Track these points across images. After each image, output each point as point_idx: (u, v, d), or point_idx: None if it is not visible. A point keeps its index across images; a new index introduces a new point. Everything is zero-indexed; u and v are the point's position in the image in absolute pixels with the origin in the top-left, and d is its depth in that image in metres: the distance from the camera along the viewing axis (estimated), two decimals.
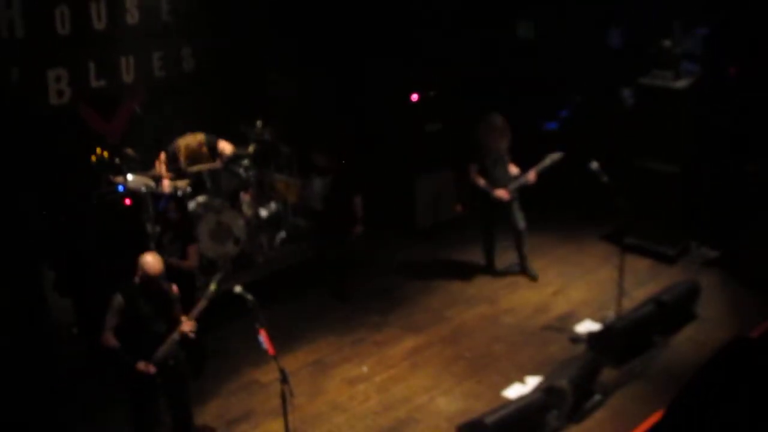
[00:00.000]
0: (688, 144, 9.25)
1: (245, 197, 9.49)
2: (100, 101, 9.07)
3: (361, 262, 9.45)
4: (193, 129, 9.11)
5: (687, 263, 9.35)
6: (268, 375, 7.38)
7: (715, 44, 10.09)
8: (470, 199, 10.80)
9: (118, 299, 6.17)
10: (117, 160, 8.62)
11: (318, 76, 10.28)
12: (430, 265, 9.69)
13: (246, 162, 9.31)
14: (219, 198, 9.01)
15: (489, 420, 6.28)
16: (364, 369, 7.80)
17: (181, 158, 8.95)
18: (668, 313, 7.88)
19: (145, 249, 7.26)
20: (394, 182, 10.36)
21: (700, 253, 9.46)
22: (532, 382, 7.35)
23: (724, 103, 9.76)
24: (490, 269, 9.38)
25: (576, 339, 8.04)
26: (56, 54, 8.59)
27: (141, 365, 6.11)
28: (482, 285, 9.15)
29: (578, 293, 8.97)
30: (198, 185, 8.99)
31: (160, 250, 7.27)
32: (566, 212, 9.64)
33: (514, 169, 9.00)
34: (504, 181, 8.88)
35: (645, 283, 8.91)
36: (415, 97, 10.13)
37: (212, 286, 6.40)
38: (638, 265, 9.25)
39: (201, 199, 8.97)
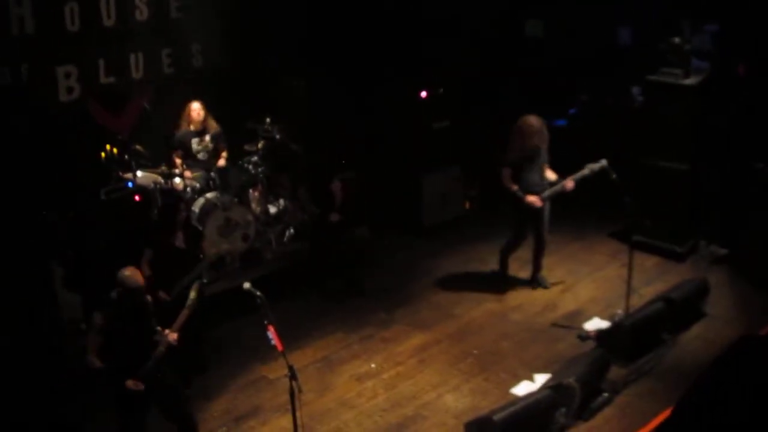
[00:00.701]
0: (698, 142, 9.23)
1: (254, 194, 9.52)
2: (110, 98, 9.10)
3: (368, 260, 9.46)
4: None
5: (696, 261, 9.34)
6: (277, 371, 7.41)
7: (724, 41, 10.06)
8: (478, 197, 10.83)
9: (98, 318, 6.06)
10: (126, 157, 8.64)
11: (326, 74, 10.28)
12: (438, 263, 9.70)
13: (255, 159, 9.34)
14: (228, 194, 9.03)
15: (497, 417, 6.27)
16: (372, 366, 7.81)
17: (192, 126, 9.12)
18: (677, 311, 7.87)
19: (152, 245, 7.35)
20: (401, 180, 10.37)
21: (709, 251, 9.45)
22: (541, 379, 7.34)
23: (733, 100, 9.73)
24: (501, 274, 9.08)
25: (584, 336, 8.03)
26: (66, 51, 8.61)
27: (130, 383, 5.98)
28: (490, 282, 9.14)
29: (586, 291, 8.96)
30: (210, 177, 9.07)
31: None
32: (575, 210, 9.63)
33: (551, 175, 8.45)
34: (540, 186, 8.38)
35: (653, 280, 8.90)
36: (423, 94, 10.12)
37: (192, 294, 6.44)
38: (647, 262, 9.24)
39: (210, 195, 8.99)
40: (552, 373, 7.31)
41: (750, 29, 9.83)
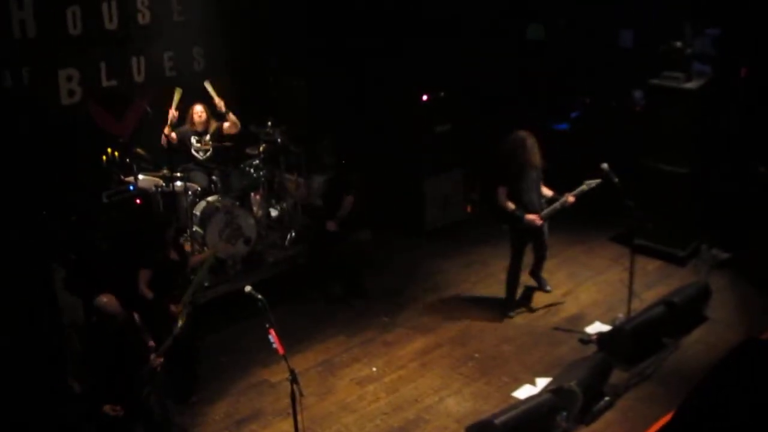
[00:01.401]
0: (699, 145, 9.22)
1: (256, 197, 9.52)
2: (111, 101, 9.11)
3: (370, 263, 9.45)
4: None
5: (697, 265, 9.33)
6: (278, 375, 7.41)
7: (726, 45, 10.06)
8: (479, 201, 10.82)
9: (76, 346, 6.11)
10: (127, 160, 8.65)
11: (327, 77, 10.29)
12: (439, 266, 9.69)
13: (256, 162, 9.34)
14: (229, 198, 9.03)
15: (498, 421, 6.27)
16: (374, 369, 7.81)
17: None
18: (678, 315, 7.86)
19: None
20: (403, 183, 10.37)
21: (710, 254, 9.43)
22: (542, 383, 7.33)
23: (735, 104, 9.73)
24: (508, 303, 8.63)
25: (586, 340, 8.02)
26: (67, 54, 8.62)
27: (107, 408, 5.96)
28: (491, 286, 9.13)
29: (588, 294, 8.95)
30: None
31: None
32: (576, 213, 9.61)
33: (547, 191, 8.29)
34: (538, 205, 8.20)
35: (655, 284, 8.90)
36: (425, 97, 10.12)
37: (180, 322, 6.55)
38: (648, 266, 9.23)
39: (211, 198, 8.99)
40: (553, 377, 7.30)
41: (751, 33, 9.83)
